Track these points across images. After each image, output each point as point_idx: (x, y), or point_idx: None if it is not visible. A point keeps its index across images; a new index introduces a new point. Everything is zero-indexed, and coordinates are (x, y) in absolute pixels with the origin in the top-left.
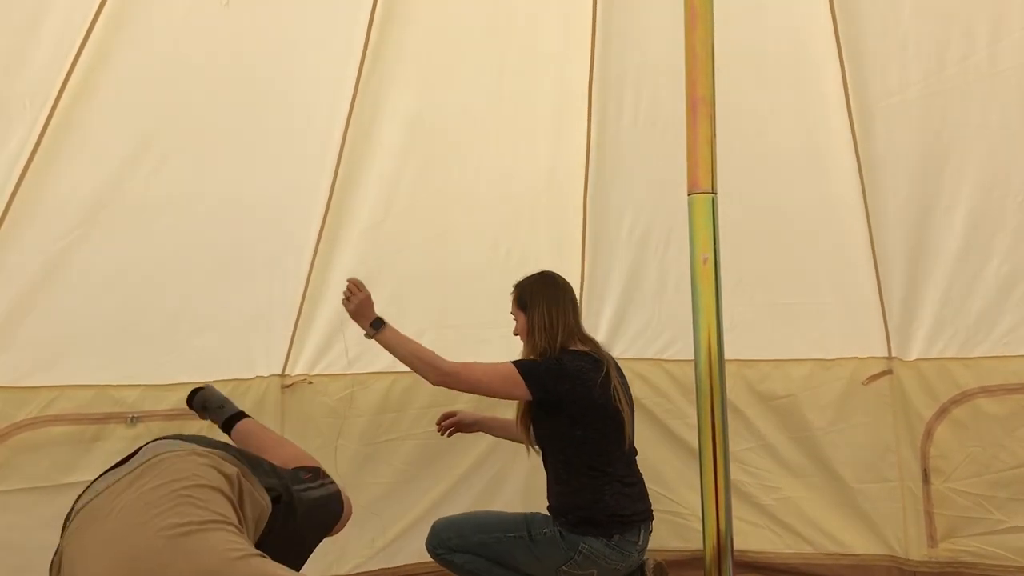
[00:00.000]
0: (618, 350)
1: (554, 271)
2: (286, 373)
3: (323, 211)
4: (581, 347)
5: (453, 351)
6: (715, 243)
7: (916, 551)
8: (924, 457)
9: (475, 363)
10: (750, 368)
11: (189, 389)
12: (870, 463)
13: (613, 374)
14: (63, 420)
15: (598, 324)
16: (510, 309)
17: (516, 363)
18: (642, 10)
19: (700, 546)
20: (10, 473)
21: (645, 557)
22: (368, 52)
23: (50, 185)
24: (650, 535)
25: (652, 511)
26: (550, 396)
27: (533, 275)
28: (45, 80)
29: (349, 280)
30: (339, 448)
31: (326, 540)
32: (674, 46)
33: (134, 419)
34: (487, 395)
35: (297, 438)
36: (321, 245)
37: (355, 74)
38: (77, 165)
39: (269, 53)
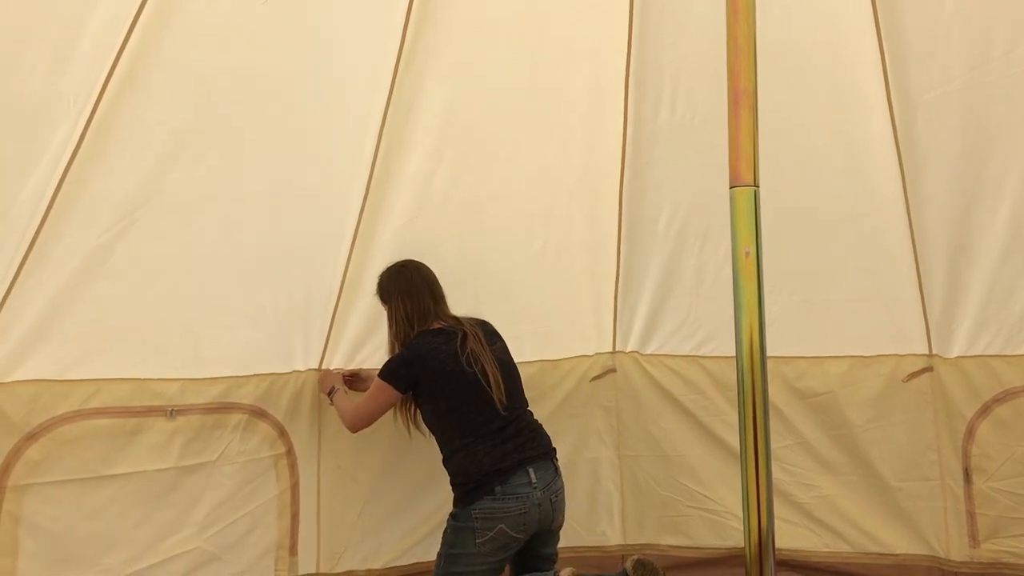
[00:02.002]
0: (653, 346)
1: (411, 259)
2: (323, 368)
3: (360, 206)
4: (437, 325)
5: None
6: (757, 237)
7: (957, 551)
8: (966, 456)
9: (359, 402)
10: (787, 365)
11: (228, 383)
12: (910, 461)
13: (470, 341)
14: (104, 413)
15: (632, 320)
16: None
17: (380, 375)
18: (679, 3)
19: (736, 543)
20: (52, 465)
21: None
22: (404, 48)
23: (93, 180)
24: (553, 473)
25: (546, 452)
26: (409, 382)
27: (387, 269)
28: (89, 77)
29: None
30: (377, 440)
31: (364, 533)
32: (713, 39)
33: (173, 412)
34: (383, 413)
35: (333, 432)
36: (358, 240)
37: (391, 70)
38: (119, 160)
39: (307, 50)
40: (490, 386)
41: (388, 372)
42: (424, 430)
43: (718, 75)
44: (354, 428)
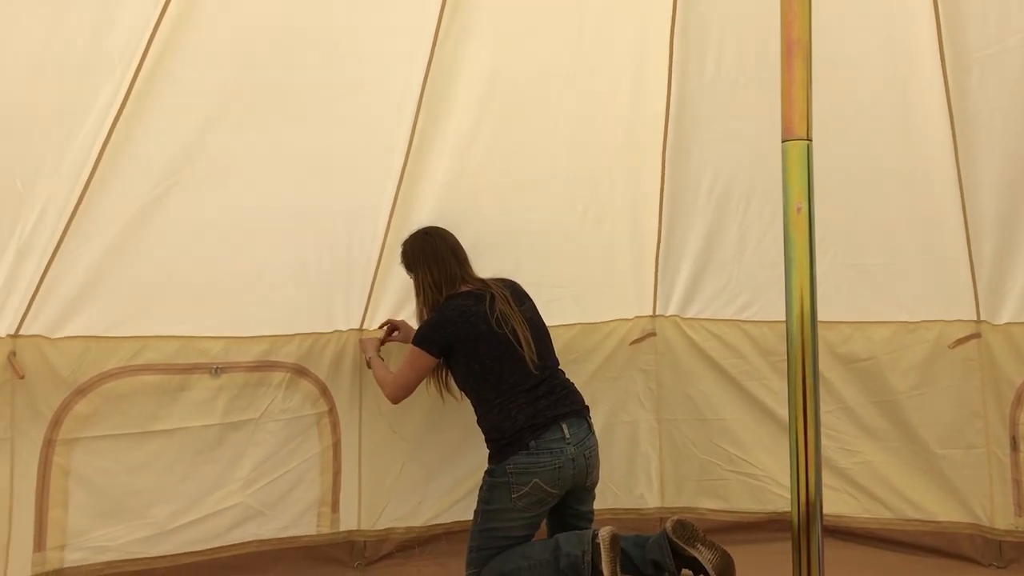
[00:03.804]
0: (694, 310)
1: (434, 225)
2: (364, 327)
3: (401, 166)
4: (467, 287)
5: None
6: (810, 192)
7: (1002, 520)
8: (1013, 424)
9: (396, 372)
10: (831, 330)
11: (271, 342)
12: (955, 429)
13: (498, 302)
14: (150, 370)
15: (674, 283)
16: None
17: (413, 341)
18: None
19: (776, 508)
20: (99, 420)
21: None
22: (446, 5)
23: (137, 141)
24: (586, 430)
25: (579, 410)
26: (442, 346)
27: (410, 237)
28: (133, 37)
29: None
30: (417, 400)
31: (404, 492)
32: None
33: (218, 370)
34: (422, 380)
35: (374, 392)
36: (399, 201)
37: (433, 28)
38: (163, 121)
39: (348, 8)
40: (521, 346)
41: (421, 338)
42: (456, 394)
43: (766, 29)
44: (395, 399)
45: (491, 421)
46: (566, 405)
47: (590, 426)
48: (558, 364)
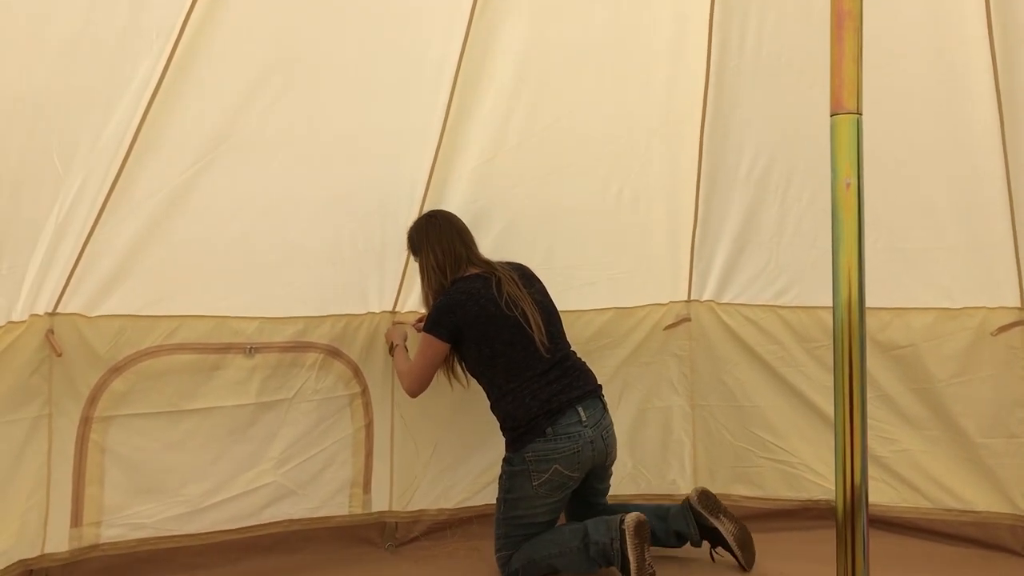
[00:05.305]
0: (729, 295)
1: (440, 208)
2: (397, 310)
3: (435, 147)
4: (474, 270)
5: (560, 293)
6: (859, 167)
7: None
8: None
9: (411, 364)
10: (870, 316)
11: (305, 323)
12: (997, 418)
13: (506, 285)
14: (185, 349)
15: (709, 268)
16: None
17: (424, 328)
18: None
19: (811, 496)
20: (136, 398)
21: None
22: None
23: (173, 118)
24: (601, 410)
25: (592, 391)
26: (452, 331)
27: (416, 221)
28: (169, 15)
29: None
30: (447, 385)
31: (436, 473)
32: None
33: (253, 350)
34: (437, 368)
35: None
36: (433, 181)
37: (469, 8)
38: (199, 99)
39: None
40: (531, 328)
41: (431, 324)
42: (463, 379)
43: (808, 4)
44: (412, 392)
45: (504, 409)
46: (580, 387)
47: (605, 405)
48: (570, 346)
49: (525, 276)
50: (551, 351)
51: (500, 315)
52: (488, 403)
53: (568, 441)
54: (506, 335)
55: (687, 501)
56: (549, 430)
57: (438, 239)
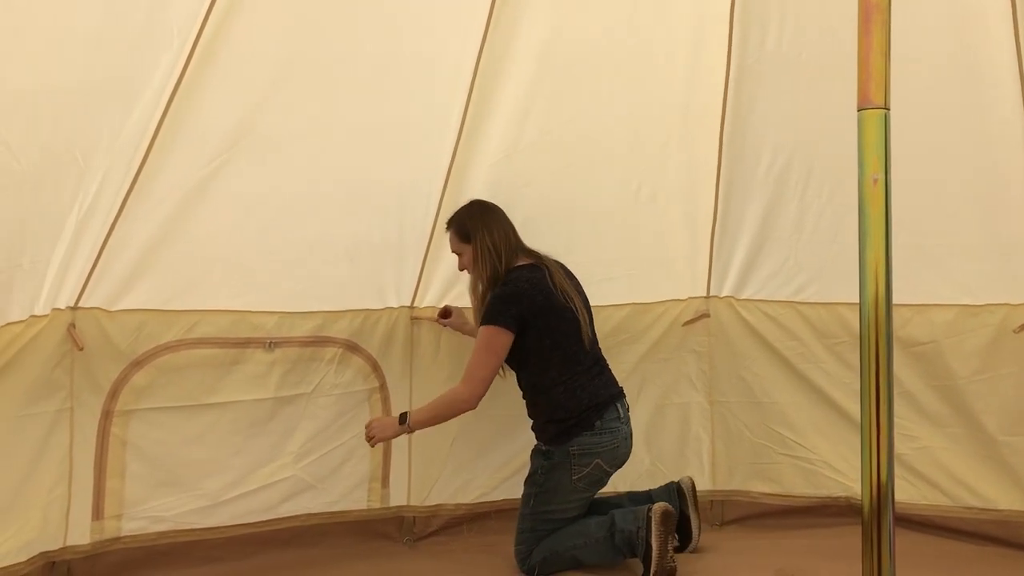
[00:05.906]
0: (748, 291)
1: (480, 198)
2: (415, 305)
3: (454, 142)
4: (525, 260)
5: None
6: (887, 162)
7: None
8: None
9: (470, 363)
10: None
11: (323, 318)
12: (1018, 415)
13: (558, 277)
14: (205, 343)
15: (728, 265)
16: (451, 248)
17: (482, 324)
18: None
19: (830, 492)
20: (156, 392)
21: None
22: None
23: (194, 114)
24: (627, 409)
25: (622, 389)
26: (519, 320)
27: (463, 207)
28: (190, 11)
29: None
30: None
31: (455, 468)
32: None
33: (272, 344)
34: (500, 364)
35: (424, 370)
36: (451, 177)
37: (488, 5)
38: (220, 94)
39: None
40: (580, 321)
41: (495, 314)
42: (503, 370)
43: (829, 2)
44: (477, 395)
45: (555, 400)
46: (615, 384)
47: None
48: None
49: (566, 270)
50: (591, 345)
51: (561, 306)
52: (521, 394)
53: (611, 436)
54: (564, 327)
55: (678, 483)
56: (597, 424)
57: (494, 223)
